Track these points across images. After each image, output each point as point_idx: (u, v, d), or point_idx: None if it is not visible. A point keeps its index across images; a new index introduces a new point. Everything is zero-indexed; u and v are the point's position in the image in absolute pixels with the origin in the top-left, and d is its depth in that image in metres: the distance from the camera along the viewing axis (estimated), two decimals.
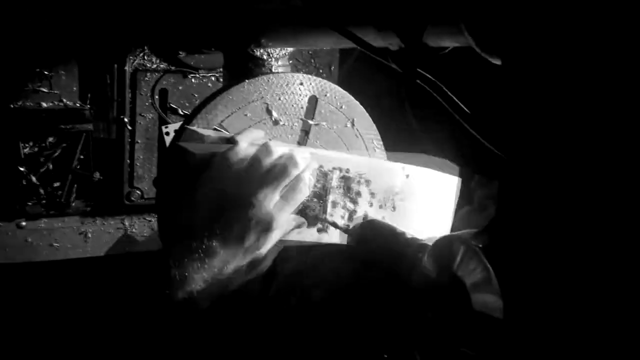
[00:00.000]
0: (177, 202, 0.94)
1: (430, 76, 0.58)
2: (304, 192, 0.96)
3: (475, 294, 0.52)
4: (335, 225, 1.02)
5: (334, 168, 1.01)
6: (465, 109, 0.52)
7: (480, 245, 0.51)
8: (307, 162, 0.97)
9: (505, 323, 0.49)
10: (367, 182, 1.04)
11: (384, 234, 0.84)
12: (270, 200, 0.91)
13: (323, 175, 1.00)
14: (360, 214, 1.03)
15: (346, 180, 1.02)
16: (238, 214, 0.89)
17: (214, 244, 0.87)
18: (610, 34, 0.45)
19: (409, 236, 0.80)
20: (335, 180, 1.01)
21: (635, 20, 0.45)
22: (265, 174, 0.93)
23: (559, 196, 0.47)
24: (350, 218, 1.03)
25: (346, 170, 1.02)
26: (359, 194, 1.04)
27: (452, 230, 1.06)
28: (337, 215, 1.03)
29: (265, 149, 0.95)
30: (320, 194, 1.00)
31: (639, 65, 0.44)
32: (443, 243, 0.56)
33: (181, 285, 0.85)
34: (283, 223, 0.93)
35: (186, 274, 0.85)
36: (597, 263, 0.46)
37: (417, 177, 1.07)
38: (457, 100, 0.53)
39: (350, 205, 1.03)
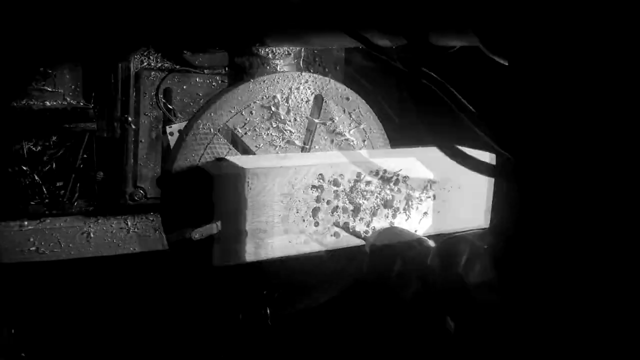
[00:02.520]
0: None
1: (435, 75, 0.57)
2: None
3: (478, 294, 0.51)
4: (352, 231, 1.01)
5: (357, 176, 1.01)
6: (471, 107, 0.51)
7: (485, 246, 0.50)
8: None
9: (506, 322, 0.48)
10: (405, 178, 1.04)
11: (396, 238, 0.83)
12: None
13: (352, 182, 1.00)
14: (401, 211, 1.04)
15: (384, 181, 1.02)
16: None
17: None
18: (616, 35, 0.44)
19: (419, 238, 0.79)
20: (372, 184, 1.01)
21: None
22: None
23: (565, 198, 0.46)
24: (394, 215, 1.04)
25: (383, 171, 1.02)
26: (399, 191, 1.04)
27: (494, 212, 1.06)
28: (382, 215, 1.03)
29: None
30: (343, 201, 1.00)
31: None
32: (450, 243, 0.55)
33: None
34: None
35: None
36: (600, 266, 0.45)
37: (453, 162, 1.07)
38: (462, 98, 0.52)
39: (389, 205, 1.03)
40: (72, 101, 1.31)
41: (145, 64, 1.36)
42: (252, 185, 0.92)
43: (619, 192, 0.46)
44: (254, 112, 1.03)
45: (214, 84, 1.43)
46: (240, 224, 0.92)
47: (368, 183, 1.01)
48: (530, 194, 0.51)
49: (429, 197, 1.05)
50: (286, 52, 1.11)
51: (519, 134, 0.49)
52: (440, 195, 1.07)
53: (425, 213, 1.06)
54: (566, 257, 0.49)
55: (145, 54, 1.36)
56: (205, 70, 1.42)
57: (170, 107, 1.39)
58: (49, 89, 1.28)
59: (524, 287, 0.50)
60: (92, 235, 1.38)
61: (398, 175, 1.04)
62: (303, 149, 1.09)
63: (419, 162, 1.05)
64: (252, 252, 0.94)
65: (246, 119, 1.03)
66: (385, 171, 1.02)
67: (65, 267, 1.37)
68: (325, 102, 1.10)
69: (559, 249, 0.49)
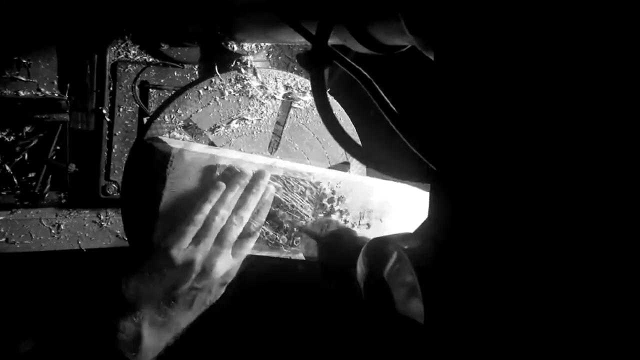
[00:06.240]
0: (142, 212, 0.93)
1: (364, 71, 0.54)
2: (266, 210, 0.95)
3: (399, 298, 0.49)
4: (311, 233, 0.98)
5: (304, 183, 0.98)
6: (394, 108, 0.48)
7: (409, 248, 0.48)
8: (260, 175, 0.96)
9: (426, 328, 0.46)
10: (341, 198, 1.01)
11: (344, 239, 0.80)
12: (224, 217, 0.91)
13: (290, 189, 0.97)
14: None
15: (319, 197, 0.99)
16: (185, 230, 0.90)
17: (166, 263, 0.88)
18: (548, 33, 0.42)
19: (365, 240, 0.77)
20: (308, 196, 0.98)
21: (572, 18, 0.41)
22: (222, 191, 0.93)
23: (488, 204, 0.43)
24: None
25: (317, 184, 0.99)
26: (332, 210, 1.01)
27: None
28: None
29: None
30: (291, 207, 0.97)
31: (574, 65, 0.40)
32: (377, 245, 0.53)
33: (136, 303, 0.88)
34: (235, 238, 0.92)
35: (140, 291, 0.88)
36: (523, 275, 0.42)
37: (393, 195, 1.03)
38: (386, 98, 0.49)
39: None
40: (46, 92, 1.29)
41: (122, 56, 1.35)
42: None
43: (547, 196, 0.43)
44: (217, 107, 1.01)
45: (192, 79, 1.41)
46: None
47: (302, 193, 0.98)
48: (455, 201, 0.48)
49: (363, 225, 1.02)
50: (257, 48, 1.08)
51: (443, 139, 0.46)
52: (375, 225, 1.03)
53: None
54: (488, 265, 0.47)
55: (122, 46, 1.34)
56: (184, 65, 1.40)
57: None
58: (22, 79, 1.27)
59: (443, 292, 0.47)
60: (62, 228, 1.36)
61: (334, 193, 1.00)
62: (270, 145, 1.07)
63: (360, 186, 1.01)
64: None
65: (210, 115, 1.00)
66: (321, 187, 0.99)
67: (35, 259, 1.36)
68: (295, 100, 1.07)
69: (482, 258, 0.47)
